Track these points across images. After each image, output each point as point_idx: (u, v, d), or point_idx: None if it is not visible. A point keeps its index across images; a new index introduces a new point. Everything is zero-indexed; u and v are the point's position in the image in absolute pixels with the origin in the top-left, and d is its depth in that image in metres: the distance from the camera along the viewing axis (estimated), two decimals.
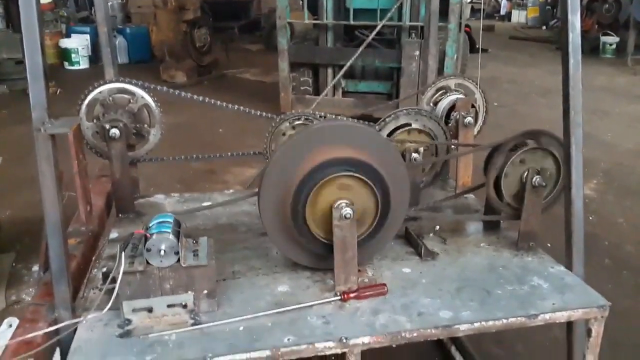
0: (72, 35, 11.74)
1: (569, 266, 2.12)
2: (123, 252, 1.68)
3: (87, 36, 11.57)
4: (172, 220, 1.80)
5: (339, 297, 1.86)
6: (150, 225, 1.78)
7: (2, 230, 4.16)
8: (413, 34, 6.77)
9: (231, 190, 2.83)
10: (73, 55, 11.27)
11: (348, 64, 6.25)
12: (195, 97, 2.68)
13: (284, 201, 1.86)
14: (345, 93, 7.54)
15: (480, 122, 2.82)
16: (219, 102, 2.67)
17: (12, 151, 6.17)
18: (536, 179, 2.12)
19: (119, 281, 1.66)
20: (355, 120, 2.27)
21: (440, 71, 6.08)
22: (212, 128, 7.14)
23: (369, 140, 1.91)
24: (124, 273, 1.66)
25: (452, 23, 6.31)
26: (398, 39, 7.10)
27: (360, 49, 6.25)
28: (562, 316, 1.85)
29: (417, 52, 6.53)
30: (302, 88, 7.41)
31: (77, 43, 11.37)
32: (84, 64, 11.34)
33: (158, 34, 10.15)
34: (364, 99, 7.30)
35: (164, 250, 1.69)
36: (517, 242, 2.22)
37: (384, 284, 1.91)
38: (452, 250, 2.22)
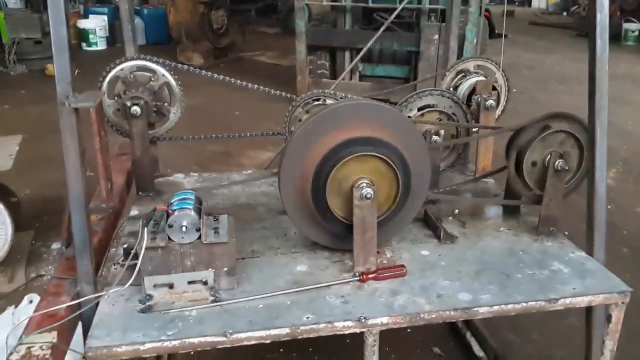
0: (90, 15, 11.77)
1: (589, 252, 2.10)
2: (145, 228, 1.70)
3: (105, 17, 11.60)
4: (193, 197, 1.81)
5: (358, 278, 1.86)
6: (172, 201, 1.78)
7: (21, 209, 4.21)
8: (432, 17, 6.69)
9: (249, 171, 2.83)
10: (91, 36, 11.31)
11: (366, 47, 6.20)
12: (215, 76, 2.68)
13: (305, 180, 1.86)
14: (362, 77, 7.49)
15: (502, 104, 2.79)
16: (238, 82, 2.67)
17: (31, 130, 6.24)
18: (559, 162, 2.10)
19: (141, 256, 1.67)
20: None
21: (459, 56, 6.00)
22: (229, 111, 7.14)
23: (391, 120, 1.90)
24: (146, 249, 1.68)
25: (472, 7, 6.22)
26: (417, 23, 7.03)
27: (379, 32, 6.19)
28: (582, 301, 1.83)
29: (437, 36, 6.46)
30: (319, 71, 7.37)
31: (95, 24, 11.40)
32: (101, 45, 11.38)
33: (175, 15, 10.15)
34: (381, 83, 7.24)
35: (186, 227, 1.70)
36: (538, 227, 2.20)
37: (403, 266, 1.91)
38: (471, 233, 2.20)
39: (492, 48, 9.04)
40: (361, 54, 6.49)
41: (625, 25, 12.71)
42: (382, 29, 6.34)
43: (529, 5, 20.66)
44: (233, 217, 1.90)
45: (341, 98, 2.53)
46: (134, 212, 2.35)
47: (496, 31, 10.98)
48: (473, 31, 6.29)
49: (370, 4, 6.96)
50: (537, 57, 11.56)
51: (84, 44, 11.37)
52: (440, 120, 2.45)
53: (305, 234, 2.02)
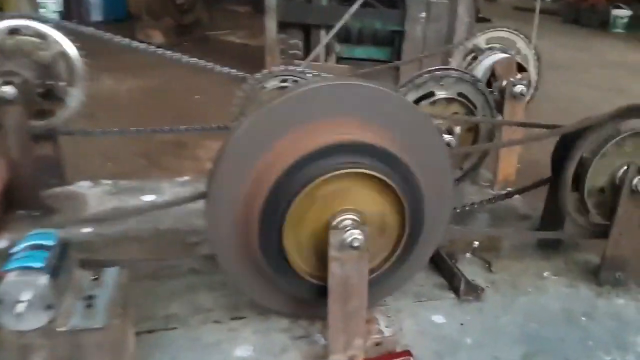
0: None
1: None
2: None
3: None
4: (51, 244, 1.04)
5: None
6: (14, 252, 1.02)
7: None
8: None
9: (185, 178, 2.07)
10: (41, 10, 10.28)
11: (341, 22, 5.42)
12: (140, 45, 1.90)
13: (248, 214, 1.11)
14: (339, 59, 6.72)
15: (532, 90, 2.09)
16: (171, 54, 1.89)
17: None
18: (638, 179, 1.39)
19: None
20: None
21: (449, 39, 5.29)
22: (188, 94, 6.32)
23: (392, 112, 1.15)
24: None
25: None
26: None
27: (355, 5, 5.42)
28: None
29: (424, 14, 5.70)
30: (291, 52, 6.56)
31: None
32: None
33: None
34: (360, 66, 6.47)
35: (28, 303, 0.95)
36: (599, 273, 1.50)
37: (408, 353, 1.18)
38: (504, 282, 1.50)
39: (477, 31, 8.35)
40: (335, 29, 5.69)
41: (614, 12, 12.15)
42: (358, 2, 5.56)
43: None
44: (146, 252, 1.18)
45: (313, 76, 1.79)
46: (2, 243, 1.57)
47: (480, 14, 10.30)
48: (464, 9, 5.54)
49: None
50: None
51: None
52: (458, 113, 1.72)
53: (250, 296, 1.27)
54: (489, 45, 2.21)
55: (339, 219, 1.08)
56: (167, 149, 4.88)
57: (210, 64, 1.88)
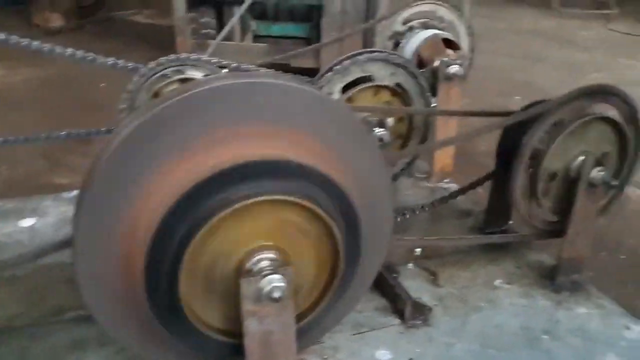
0: None
1: None
2: None
3: None
4: None
5: None
6: None
7: None
8: None
9: (73, 193, 1.74)
10: None
11: None
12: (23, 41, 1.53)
13: (131, 259, 0.83)
14: (256, 38, 6.37)
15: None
16: (40, 45, 1.55)
17: None
18: (598, 172, 1.23)
19: None
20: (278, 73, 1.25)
21: (371, 13, 5.08)
22: (93, 82, 5.80)
23: (314, 114, 0.91)
24: None
25: None
26: None
27: None
28: None
29: None
30: (203, 31, 6.13)
31: None
32: None
33: None
34: (278, 44, 6.16)
35: None
36: (555, 277, 1.34)
37: None
38: (452, 297, 1.30)
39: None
40: (246, 5, 5.37)
41: None
42: None
43: None
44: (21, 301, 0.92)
45: (219, 66, 1.51)
46: None
47: None
48: None
49: None
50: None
51: None
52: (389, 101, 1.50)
53: (142, 354, 1.00)
54: (408, 25, 1.99)
55: (253, 260, 0.83)
56: (71, 146, 4.41)
57: (90, 55, 1.56)
